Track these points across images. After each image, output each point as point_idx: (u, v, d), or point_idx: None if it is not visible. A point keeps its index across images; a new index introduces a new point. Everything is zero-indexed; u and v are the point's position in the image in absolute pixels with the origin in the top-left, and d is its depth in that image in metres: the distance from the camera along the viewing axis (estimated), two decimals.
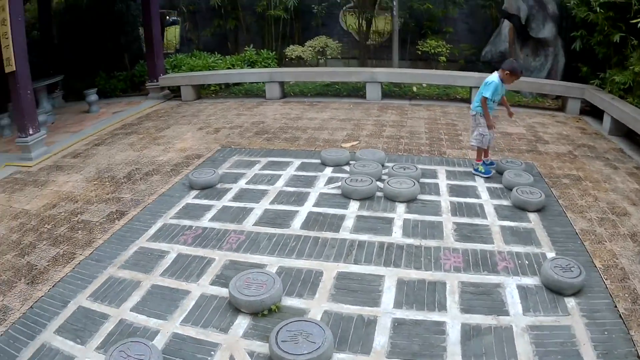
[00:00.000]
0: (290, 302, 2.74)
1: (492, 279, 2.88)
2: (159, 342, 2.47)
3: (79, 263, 3.34)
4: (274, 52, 9.53)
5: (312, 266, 3.08)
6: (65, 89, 9.67)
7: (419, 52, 8.64)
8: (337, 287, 2.85)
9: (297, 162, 4.98)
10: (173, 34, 11.61)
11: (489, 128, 4.30)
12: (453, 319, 2.53)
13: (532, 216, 3.67)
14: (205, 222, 3.79)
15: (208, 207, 4.05)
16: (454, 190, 4.16)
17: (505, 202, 3.91)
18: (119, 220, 3.97)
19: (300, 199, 4.08)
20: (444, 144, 5.49)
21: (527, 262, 3.05)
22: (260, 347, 2.38)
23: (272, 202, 4.05)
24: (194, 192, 4.40)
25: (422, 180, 4.29)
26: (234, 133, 6.31)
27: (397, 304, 2.67)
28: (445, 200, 3.96)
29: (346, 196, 4.01)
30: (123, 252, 3.45)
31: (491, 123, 4.26)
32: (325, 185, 4.35)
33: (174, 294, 2.88)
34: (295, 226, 3.61)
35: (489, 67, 7.38)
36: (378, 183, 4.17)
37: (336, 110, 7.16)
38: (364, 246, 3.28)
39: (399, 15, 8.50)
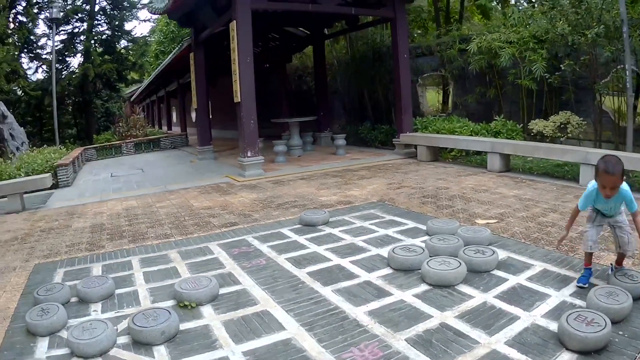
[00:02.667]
0: None
1: None
2: None
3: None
4: (520, 125, 8.68)
5: None
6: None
7: None
8: None
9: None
10: (435, 96, 12.16)
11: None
12: None
13: None
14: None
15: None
16: None
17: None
18: (230, 227, 4.95)
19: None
20: None
21: None
22: None
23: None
24: (298, 227, 4.89)
25: None
26: (403, 193, 6.20)
27: None
28: None
29: None
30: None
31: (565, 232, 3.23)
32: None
33: None
34: None
35: None
36: None
37: (535, 191, 5.92)
38: None
39: None
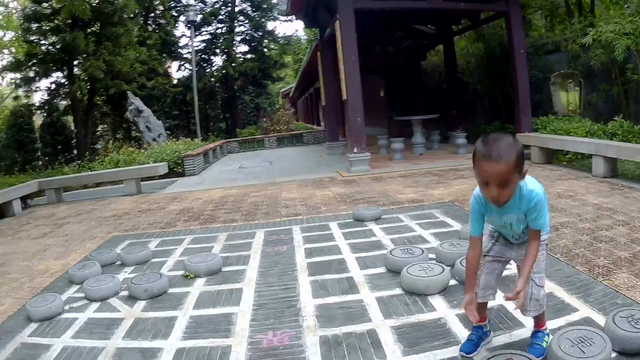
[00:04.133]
0: None
1: None
2: None
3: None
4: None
5: None
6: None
7: None
8: None
9: None
10: (566, 95, 10.31)
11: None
12: None
13: None
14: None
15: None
16: None
17: None
18: (292, 217, 5.37)
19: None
20: None
21: None
22: None
23: None
24: (348, 222, 5.00)
25: None
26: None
27: None
28: None
29: None
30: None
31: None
32: None
33: None
34: None
35: None
36: None
37: (623, 200, 4.66)
38: None
39: None
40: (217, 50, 28.32)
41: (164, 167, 8.99)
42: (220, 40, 27.80)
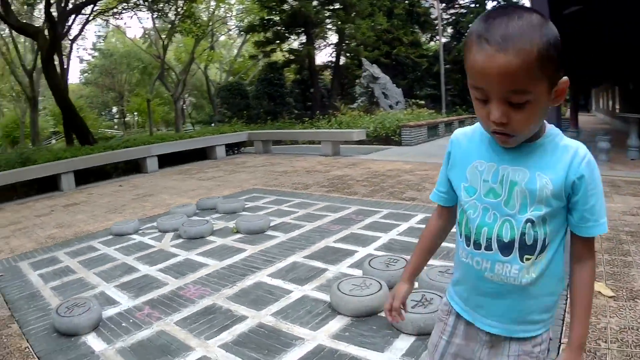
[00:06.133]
0: None
1: None
2: None
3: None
4: None
5: None
6: None
7: None
8: None
9: None
10: None
11: None
12: None
13: None
14: None
15: None
16: None
17: None
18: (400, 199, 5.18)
19: None
20: None
21: None
22: None
23: None
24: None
25: None
26: None
27: None
28: None
29: None
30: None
31: None
32: None
33: None
34: None
35: None
36: None
37: None
38: None
39: None
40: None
41: (360, 134, 9.37)
42: (471, 16, 26.56)
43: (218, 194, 6.12)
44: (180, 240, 4.01)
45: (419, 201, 4.98)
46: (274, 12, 20.27)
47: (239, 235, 4.05)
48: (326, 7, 20.10)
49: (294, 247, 3.65)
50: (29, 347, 2.35)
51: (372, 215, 4.44)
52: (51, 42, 12.16)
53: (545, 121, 0.95)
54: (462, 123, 15.15)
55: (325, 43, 22.43)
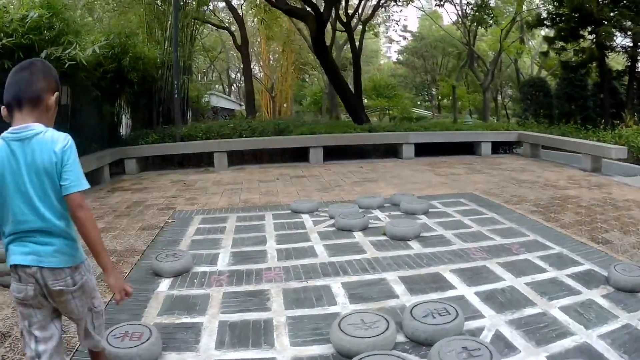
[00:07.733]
0: None
1: None
2: None
3: None
4: None
5: None
6: None
7: None
8: None
9: None
10: None
11: None
12: None
13: None
14: None
15: None
16: None
17: None
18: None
19: None
20: None
21: None
22: None
23: None
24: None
25: None
26: None
27: None
28: None
29: None
30: None
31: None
32: None
33: None
34: None
35: None
36: None
37: None
38: None
39: None
40: None
41: (619, 151, 7.54)
42: None
43: (433, 192, 6.30)
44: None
45: (610, 247, 3.95)
46: (563, 5, 17.40)
47: (384, 238, 4.32)
48: (611, 5, 15.69)
49: (426, 260, 3.74)
50: (126, 274, 3.42)
51: (538, 251, 3.91)
52: (317, 25, 12.70)
53: None
54: None
55: (617, 45, 17.33)
